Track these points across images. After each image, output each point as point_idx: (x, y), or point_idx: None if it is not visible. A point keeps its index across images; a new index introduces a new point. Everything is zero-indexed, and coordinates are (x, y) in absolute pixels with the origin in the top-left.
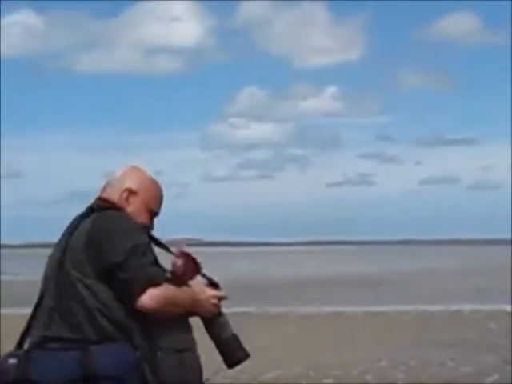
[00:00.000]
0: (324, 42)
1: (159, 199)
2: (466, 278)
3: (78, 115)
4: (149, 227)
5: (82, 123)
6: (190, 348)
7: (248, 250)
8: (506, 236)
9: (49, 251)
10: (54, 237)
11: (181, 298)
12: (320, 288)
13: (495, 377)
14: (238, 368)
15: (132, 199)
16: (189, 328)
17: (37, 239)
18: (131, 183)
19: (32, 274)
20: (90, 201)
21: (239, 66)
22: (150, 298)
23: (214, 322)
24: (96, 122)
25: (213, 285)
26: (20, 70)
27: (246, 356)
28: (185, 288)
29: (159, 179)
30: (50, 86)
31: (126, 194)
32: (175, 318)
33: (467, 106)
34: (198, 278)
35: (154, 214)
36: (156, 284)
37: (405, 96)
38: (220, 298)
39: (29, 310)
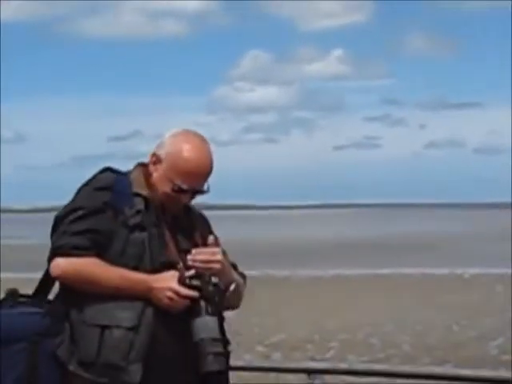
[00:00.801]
0: (330, 4)
1: (190, 175)
2: (469, 242)
3: (82, 80)
4: (171, 200)
5: (86, 87)
6: (119, 326)
7: (253, 213)
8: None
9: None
10: (59, 201)
11: (101, 276)
12: (325, 251)
13: (499, 341)
14: (242, 331)
15: (157, 166)
16: (132, 308)
17: (41, 204)
18: (162, 149)
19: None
20: (94, 165)
21: (244, 29)
22: (56, 266)
23: (190, 320)
24: (100, 86)
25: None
26: (26, 34)
27: (211, 370)
28: (119, 269)
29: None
30: (55, 51)
31: (153, 159)
32: (110, 295)
33: (472, 70)
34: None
35: (180, 189)
36: (65, 255)
37: (410, 60)
38: (182, 296)
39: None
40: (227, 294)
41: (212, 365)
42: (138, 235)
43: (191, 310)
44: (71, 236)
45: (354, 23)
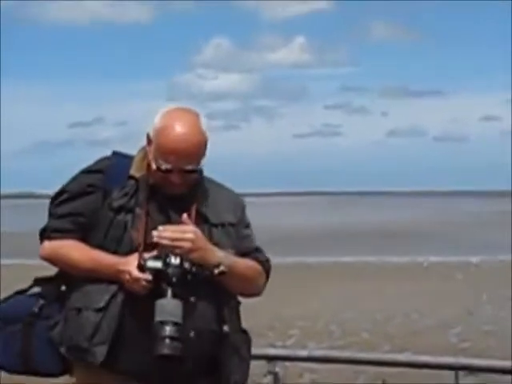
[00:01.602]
0: None
1: (171, 154)
2: (429, 230)
3: (44, 65)
4: (164, 181)
5: (48, 73)
6: (88, 308)
7: None
8: (472, 187)
9: (18, 202)
10: (21, 187)
11: (76, 258)
12: (284, 239)
13: (458, 329)
14: None
15: (150, 146)
16: (107, 291)
17: (2, 190)
18: (152, 128)
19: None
20: (55, 151)
21: (208, 16)
22: (41, 248)
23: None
24: (62, 71)
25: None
26: None
27: (160, 353)
28: (94, 252)
29: (123, 129)
30: (17, 35)
31: (147, 140)
32: (91, 278)
33: (435, 58)
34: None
35: (164, 168)
36: (48, 238)
37: (372, 47)
38: (136, 279)
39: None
40: (203, 274)
41: (162, 349)
42: (122, 217)
43: (156, 292)
44: (55, 219)
45: (316, 11)
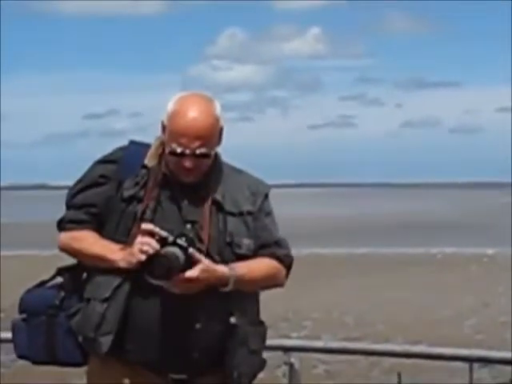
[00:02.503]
0: None
1: (181, 136)
2: (444, 222)
3: (58, 57)
4: (178, 167)
5: (63, 65)
6: (95, 298)
7: None
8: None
9: (32, 193)
10: (34, 179)
11: (87, 248)
12: (299, 230)
13: (473, 321)
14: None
15: (165, 133)
16: (114, 281)
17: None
18: (165, 115)
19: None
20: (69, 142)
21: (220, 6)
22: (58, 240)
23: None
24: (77, 64)
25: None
26: (2, 10)
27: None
28: (103, 241)
29: (137, 120)
30: (32, 28)
31: (161, 128)
32: (102, 268)
33: (450, 49)
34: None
35: (174, 152)
36: (64, 229)
37: (388, 39)
38: (146, 231)
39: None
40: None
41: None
42: (132, 208)
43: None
44: (69, 210)
45: (331, 1)
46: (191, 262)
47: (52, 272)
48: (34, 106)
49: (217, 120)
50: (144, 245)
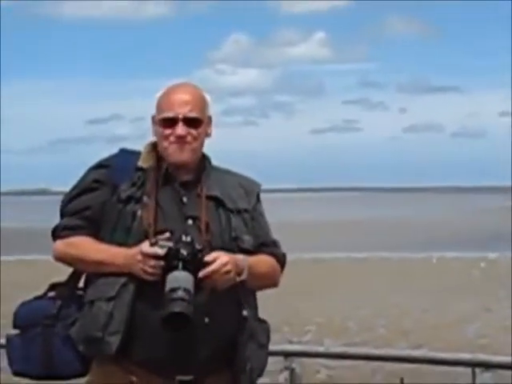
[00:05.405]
0: None
1: (169, 104)
2: (447, 226)
3: (62, 62)
4: (172, 152)
5: (65, 70)
6: (100, 299)
7: None
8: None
9: (35, 198)
10: (38, 184)
11: (85, 253)
12: (302, 234)
13: (475, 325)
14: None
15: (154, 127)
16: (117, 282)
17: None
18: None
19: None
20: (72, 148)
21: (225, 11)
22: (54, 249)
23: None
24: (80, 68)
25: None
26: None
27: (172, 312)
28: (102, 245)
29: (141, 125)
30: (34, 33)
31: (152, 122)
32: (101, 272)
33: (453, 53)
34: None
35: (165, 120)
36: (59, 237)
37: (391, 43)
38: (150, 255)
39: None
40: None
41: (172, 307)
42: (130, 208)
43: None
44: (64, 217)
45: (336, 6)
46: (202, 261)
47: (53, 277)
48: (37, 111)
49: (205, 98)
50: (147, 267)
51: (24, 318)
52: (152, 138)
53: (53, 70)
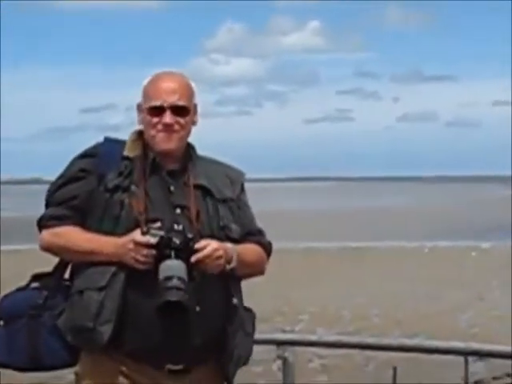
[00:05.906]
0: None
1: (156, 92)
2: (440, 215)
3: (55, 51)
4: (159, 140)
5: (59, 59)
6: (90, 288)
7: None
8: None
9: (29, 187)
10: (32, 172)
11: (73, 242)
12: (295, 223)
13: (468, 314)
14: None
15: (140, 115)
16: (107, 271)
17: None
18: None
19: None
20: (66, 136)
21: (220, 0)
22: (40, 239)
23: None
24: (73, 58)
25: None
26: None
27: (168, 300)
28: (90, 234)
29: (134, 114)
30: (29, 21)
31: (137, 110)
32: (90, 261)
33: (447, 43)
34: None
35: (152, 108)
36: (46, 226)
37: (386, 33)
38: (142, 244)
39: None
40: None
41: (168, 295)
42: (118, 197)
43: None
44: (51, 207)
45: None
46: (193, 249)
47: (48, 266)
48: (31, 100)
49: (192, 86)
50: (139, 256)
51: (8, 310)
52: (138, 127)
53: (46, 59)
